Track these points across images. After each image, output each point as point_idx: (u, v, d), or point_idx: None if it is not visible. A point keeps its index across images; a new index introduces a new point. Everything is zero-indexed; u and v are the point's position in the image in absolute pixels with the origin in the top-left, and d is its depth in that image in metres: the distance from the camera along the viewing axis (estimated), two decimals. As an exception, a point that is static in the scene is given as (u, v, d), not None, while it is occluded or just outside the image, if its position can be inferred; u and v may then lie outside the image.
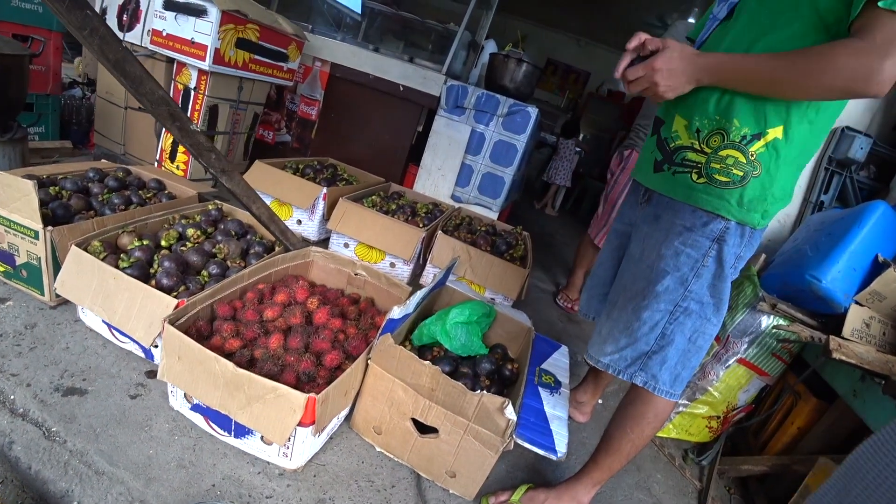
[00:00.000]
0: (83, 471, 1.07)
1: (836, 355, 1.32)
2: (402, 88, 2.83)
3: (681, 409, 1.80)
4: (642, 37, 1.00)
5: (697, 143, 1.03)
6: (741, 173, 0.98)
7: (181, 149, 2.29)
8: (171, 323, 1.09)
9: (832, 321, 1.61)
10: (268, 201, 2.15)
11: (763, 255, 1.91)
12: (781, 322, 1.62)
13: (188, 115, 2.24)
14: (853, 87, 0.83)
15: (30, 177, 1.56)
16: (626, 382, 1.16)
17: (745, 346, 1.68)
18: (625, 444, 1.18)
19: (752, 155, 0.97)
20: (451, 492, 1.26)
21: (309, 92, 3.02)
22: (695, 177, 1.03)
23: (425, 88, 2.79)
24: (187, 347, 1.04)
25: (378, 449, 1.30)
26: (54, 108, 2.70)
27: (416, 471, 1.27)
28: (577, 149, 5.23)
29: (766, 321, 1.65)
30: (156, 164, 2.43)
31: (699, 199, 1.03)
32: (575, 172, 5.44)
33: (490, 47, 3.14)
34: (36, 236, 1.40)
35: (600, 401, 1.89)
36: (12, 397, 1.20)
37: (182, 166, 2.33)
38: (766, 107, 0.95)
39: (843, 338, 1.44)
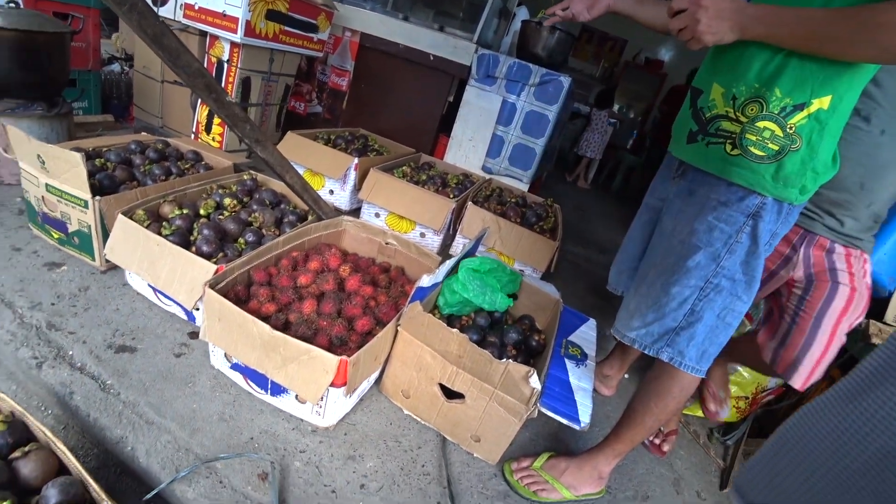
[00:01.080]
0: (135, 420, 1.16)
1: (875, 340, 1.29)
2: (432, 58, 2.80)
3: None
4: None
5: (732, 111, 0.99)
6: (777, 147, 0.94)
7: (216, 121, 2.35)
8: (212, 287, 1.14)
9: (875, 305, 1.55)
10: (300, 171, 2.20)
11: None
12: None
13: (223, 87, 2.29)
14: None
15: (77, 149, 1.63)
16: (652, 358, 1.16)
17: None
18: (648, 418, 1.19)
19: (790, 128, 0.93)
20: (474, 455, 1.30)
21: (339, 62, 3.02)
22: (729, 148, 0.99)
23: (456, 58, 2.76)
24: (227, 310, 1.09)
25: (406, 412, 1.35)
26: (95, 83, 2.79)
27: (441, 434, 1.32)
28: (612, 120, 5.08)
29: None
30: (192, 135, 2.50)
31: (733, 172, 0.99)
32: (609, 144, 5.31)
33: (522, 14, 3.05)
34: (85, 205, 1.48)
35: (626, 375, 1.89)
36: (71, 353, 1.30)
37: (217, 138, 2.39)
38: (814, 74, 0.90)
39: (884, 323, 1.39)
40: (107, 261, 1.58)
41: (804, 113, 0.92)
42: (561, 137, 3.61)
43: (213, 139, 2.40)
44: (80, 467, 0.94)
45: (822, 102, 0.91)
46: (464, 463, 1.28)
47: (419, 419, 1.33)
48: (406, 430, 1.31)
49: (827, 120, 0.92)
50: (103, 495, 0.90)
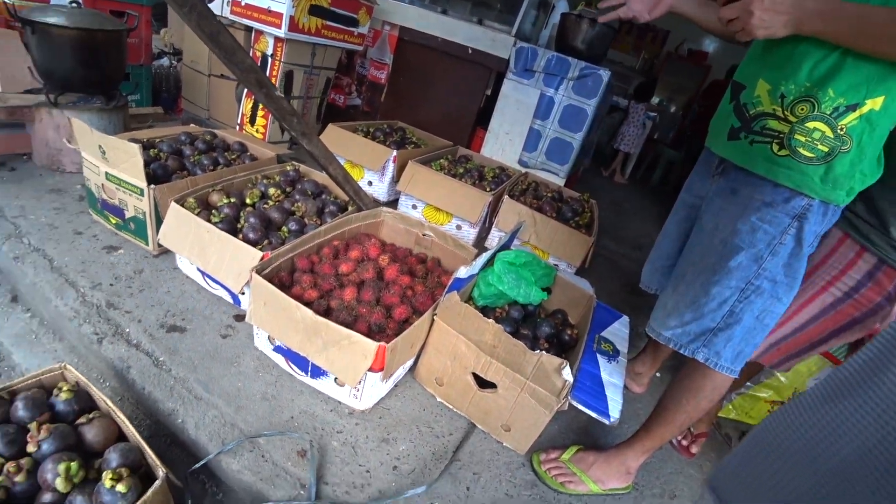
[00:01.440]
0: (185, 395, 1.23)
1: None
2: (470, 51, 2.81)
3: (742, 390, 1.75)
4: None
5: (781, 109, 0.96)
6: (827, 149, 0.92)
7: (260, 113, 2.43)
8: (258, 272, 1.20)
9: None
10: (344, 162, 2.26)
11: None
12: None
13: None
14: None
15: (133, 140, 1.73)
16: (684, 357, 1.16)
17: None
18: (679, 415, 1.18)
19: (841, 129, 0.91)
20: (504, 444, 1.33)
21: (378, 56, 3.07)
22: (776, 148, 0.97)
23: (494, 51, 2.76)
24: (272, 295, 1.15)
25: (438, 399, 1.38)
26: (147, 77, 2.92)
27: (472, 422, 1.35)
28: (651, 114, 4.96)
29: None
30: (237, 127, 2.59)
31: (780, 173, 0.97)
32: (648, 138, 5.19)
33: (561, 6, 3.02)
34: (141, 193, 1.57)
35: (658, 374, 1.87)
36: (127, 330, 1.39)
37: (261, 129, 2.47)
38: (871, 74, 0.87)
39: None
40: (159, 245, 1.68)
41: (856, 114, 0.89)
42: (599, 131, 3.56)
43: (257, 131, 2.49)
44: (137, 435, 1.02)
45: (874, 103, 0.88)
46: (493, 451, 1.31)
47: (451, 407, 1.36)
48: (438, 417, 1.34)
49: (878, 121, 0.89)
50: (158, 462, 0.97)
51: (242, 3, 2.26)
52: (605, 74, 2.58)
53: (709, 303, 1.08)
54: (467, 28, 2.81)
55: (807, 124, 0.93)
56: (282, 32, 2.19)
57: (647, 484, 1.39)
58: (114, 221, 1.76)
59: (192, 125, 2.29)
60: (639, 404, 1.74)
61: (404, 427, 1.27)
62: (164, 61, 3.55)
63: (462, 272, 1.26)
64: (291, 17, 2.15)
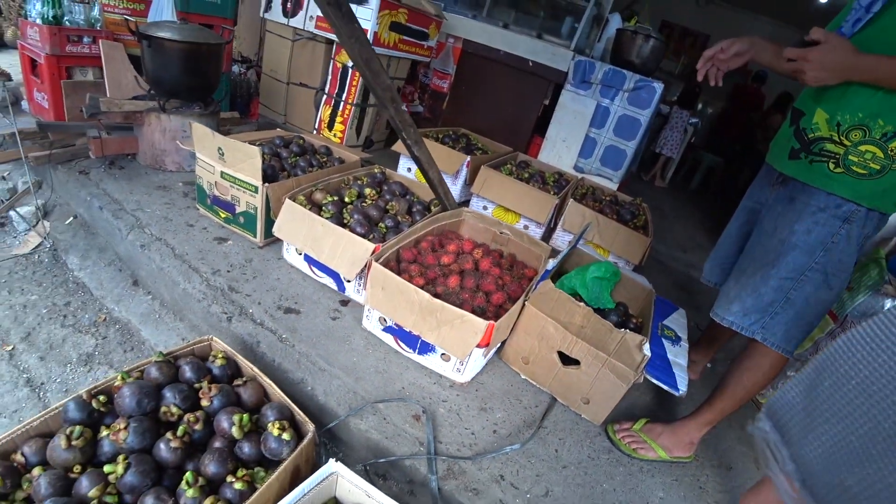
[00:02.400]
0: (310, 366, 1.43)
1: None
2: (531, 64, 2.98)
3: (790, 374, 1.87)
4: (816, 31, 1.08)
5: (837, 135, 1.14)
6: (878, 167, 1.09)
7: (339, 119, 2.65)
8: (376, 261, 1.40)
9: None
10: (416, 167, 2.46)
11: (894, 239, 1.88)
12: (906, 305, 1.63)
13: (346, 90, 2.58)
14: None
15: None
16: (734, 349, 1.32)
17: (865, 327, 1.71)
18: (738, 390, 1.35)
19: (891, 150, 1.08)
20: (582, 416, 1.49)
21: (441, 66, 3.26)
22: (832, 166, 1.15)
23: (553, 64, 2.93)
24: (391, 280, 1.34)
25: (523, 377, 1.56)
26: (227, 84, 3.18)
27: (554, 396, 1.52)
28: (693, 120, 5.04)
29: (889, 304, 1.66)
30: (314, 132, 2.82)
31: (835, 186, 1.15)
32: (689, 144, 5.26)
33: (615, 21, 3.17)
34: (256, 190, 1.79)
35: (709, 364, 2.01)
36: (251, 311, 1.60)
37: (339, 134, 2.70)
38: None
39: None
40: (265, 238, 1.89)
41: None
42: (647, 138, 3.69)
43: (335, 135, 2.71)
44: (284, 396, 1.22)
45: None
46: (573, 422, 1.48)
47: (535, 383, 1.54)
48: (524, 392, 1.52)
49: None
50: (304, 417, 1.17)
51: (328, 20, 2.47)
52: (658, 87, 2.72)
53: (768, 291, 1.25)
54: (528, 42, 2.99)
55: (860, 147, 1.11)
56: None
57: (707, 456, 1.55)
58: (223, 215, 1.98)
59: (278, 129, 2.52)
60: (692, 390, 1.88)
61: (497, 399, 1.45)
62: (235, 69, 3.83)
63: (550, 264, 1.43)
64: (375, 33, 2.35)
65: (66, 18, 2.44)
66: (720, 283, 1.60)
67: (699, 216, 4.46)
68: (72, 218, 2.30)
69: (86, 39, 2.52)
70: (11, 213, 2.32)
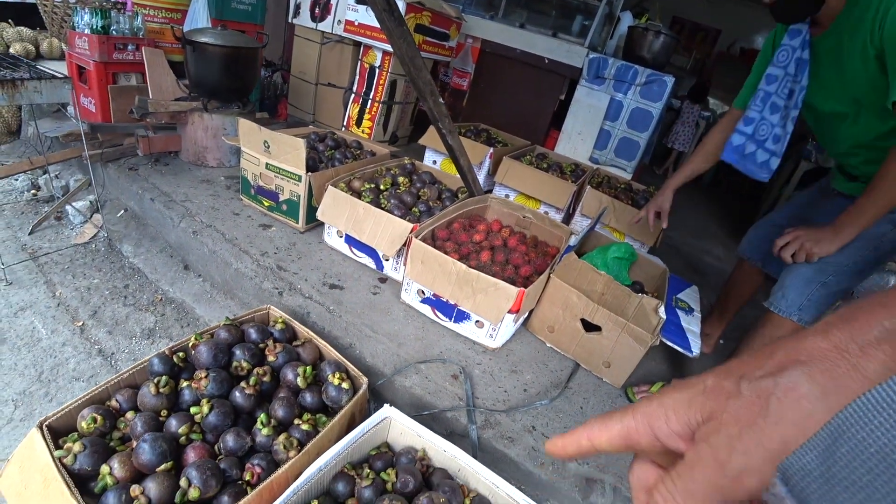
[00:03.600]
0: (357, 333, 1.59)
1: None
2: (547, 61, 3.13)
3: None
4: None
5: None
6: None
7: (367, 116, 2.82)
8: (416, 237, 1.55)
9: None
10: (440, 158, 2.61)
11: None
12: (912, 280, 1.75)
13: (374, 88, 2.75)
14: None
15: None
16: (744, 324, 1.45)
17: (873, 304, 1.82)
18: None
19: None
20: (603, 379, 1.63)
21: (461, 65, 3.42)
22: None
23: (569, 60, 3.07)
24: (431, 254, 1.49)
25: (548, 345, 1.70)
26: (258, 86, 3.37)
27: (577, 361, 1.66)
28: (705, 114, 5.14)
29: (894, 280, 1.77)
30: (343, 128, 2.99)
31: None
32: (700, 139, 5.36)
33: (626, 18, 3.30)
34: (299, 179, 1.96)
35: (721, 340, 2.13)
36: (299, 286, 1.77)
37: (367, 130, 2.86)
38: None
39: None
40: (307, 223, 2.06)
41: None
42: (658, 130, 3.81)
43: (363, 131, 2.87)
44: (339, 355, 1.38)
45: None
46: (595, 384, 1.62)
47: (559, 350, 1.68)
48: (550, 358, 1.66)
49: None
50: (358, 372, 1.32)
51: (356, 23, 2.64)
52: (669, 80, 2.85)
53: (821, 288, 1.42)
54: (544, 40, 3.13)
55: None
56: (391, 48, 2.56)
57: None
58: (266, 204, 2.15)
59: (310, 126, 2.69)
60: (707, 362, 2.01)
61: (526, 363, 1.60)
62: (262, 72, 4.03)
63: (572, 240, 1.57)
64: (402, 34, 2.51)
65: (112, 28, 2.62)
66: (753, 259, 1.78)
67: (712, 208, 4.55)
68: (123, 211, 2.49)
69: (130, 47, 2.71)
70: (68, 207, 2.51)
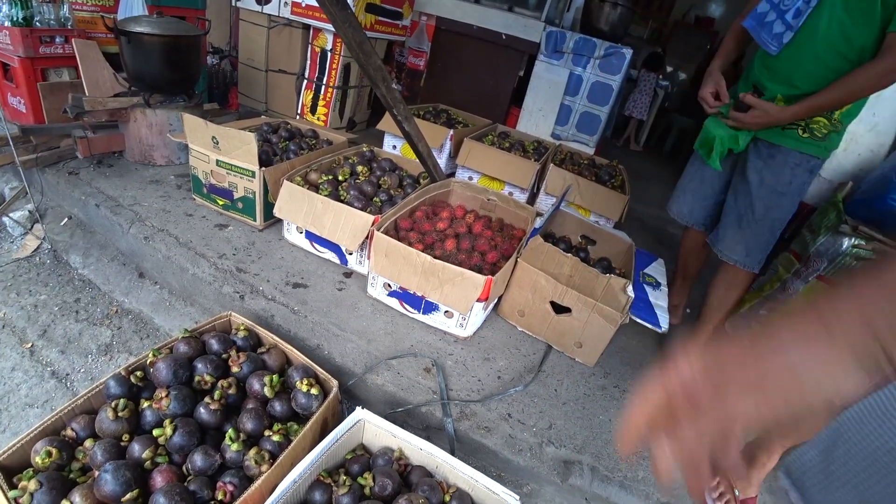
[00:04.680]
0: (324, 333, 1.55)
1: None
2: (504, 37, 3.06)
3: (762, 312, 2.04)
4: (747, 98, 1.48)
5: None
6: (826, 132, 1.45)
7: (321, 103, 2.71)
8: (378, 230, 1.50)
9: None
10: (400, 143, 2.54)
11: (850, 183, 2.05)
12: (862, 242, 1.80)
13: (327, 73, 2.64)
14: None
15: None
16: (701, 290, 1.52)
17: (825, 264, 1.87)
18: (722, 305, 1.74)
19: (833, 120, 1.44)
20: (576, 360, 1.64)
21: (416, 45, 3.32)
22: (800, 132, 1.47)
23: (526, 35, 3.01)
24: (394, 247, 1.45)
25: (519, 329, 1.69)
26: (204, 76, 3.20)
27: (549, 343, 1.66)
28: (664, 82, 5.18)
29: (847, 242, 1.82)
30: (297, 117, 2.87)
31: (804, 147, 1.48)
32: (661, 107, 5.41)
33: (582, -12, 3.25)
34: (253, 175, 1.87)
35: (688, 309, 2.18)
36: (261, 288, 1.70)
37: (322, 118, 2.76)
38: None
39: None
40: (264, 220, 1.98)
41: (841, 110, 1.43)
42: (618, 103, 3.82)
43: (318, 119, 2.77)
44: (307, 359, 1.33)
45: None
46: (569, 365, 1.62)
47: (531, 334, 1.67)
48: (522, 342, 1.66)
49: (850, 111, 1.42)
50: (327, 375, 1.29)
51: (303, 5, 2.51)
52: (627, 52, 2.84)
53: (764, 233, 1.60)
54: (500, 16, 3.06)
55: (814, 118, 1.44)
56: (339, 30, 2.45)
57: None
58: (221, 203, 2.05)
59: (262, 116, 2.57)
60: (676, 332, 2.04)
61: (498, 350, 1.59)
62: (209, 60, 3.82)
63: (538, 222, 1.55)
64: (351, 16, 2.41)
65: (35, 20, 2.42)
66: (697, 226, 1.86)
67: (675, 177, 4.61)
68: (66, 219, 2.34)
69: (58, 39, 2.51)
70: (4, 219, 2.34)
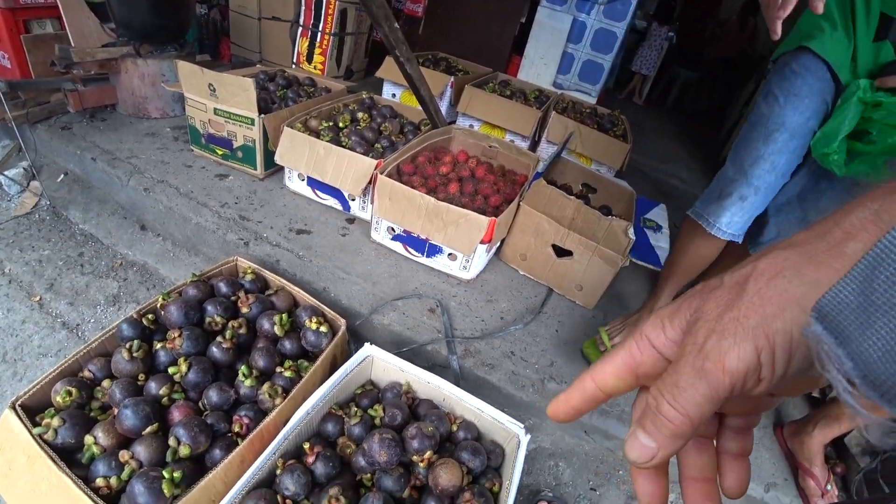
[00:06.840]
0: (330, 276, 1.56)
1: None
2: (504, -20, 2.96)
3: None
4: None
5: None
6: None
7: (318, 51, 2.64)
8: (381, 174, 1.50)
9: None
10: (399, 91, 2.50)
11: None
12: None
13: (323, 19, 2.56)
14: None
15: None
16: None
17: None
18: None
19: None
20: (576, 303, 1.67)
21: (413, -10, 3.22)
22: None
23: (528, -22, 2.91)
24: (398, 190, 1.45)
25: (521, 273, 1.71)
26: (194, 25, 3.09)
27: (551, 287, 1.69)
28: (670, 34, 5.02)
29: None
30: (293, 66, 2.80)
31: None
32: (665, 60, 5.27)
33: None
34: (252, 123, 1.84)
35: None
36: (265, 235, 1.71)
37: (319, 66, 2.69)
38: None
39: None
40: (265, 169, 1.96)
41: None
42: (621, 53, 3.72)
43: (315, 67, 2.70)
44: (314, 300, 1.35)
45: None
46: (569, 307, 1.65)
47: (533, 278, 1.70)
48: (524, 285, 1.68)
49: None
50: (335, 314, 1.31)
51: (295, -55, 2.41)
52: (632, -3, 2.75)
53: None
54: (500, -43, 2.95)
55: None
56: (336, -29, 2.36)
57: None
58: (220, 153, 2.03)
59: (257, 66, 2.51)
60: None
61: (501, 292, 1.61)
62: (198, 10, 3.69)
63: (540, 166, 1.55)
64: (346, -42, 2.31)
65: (13, -34, 2.32)
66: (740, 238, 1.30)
67: (677, 131, 4.58)
68: (63, 174, 2.32)
69: (39, -13, 2.42)
70: (0, 177, 2.32)
